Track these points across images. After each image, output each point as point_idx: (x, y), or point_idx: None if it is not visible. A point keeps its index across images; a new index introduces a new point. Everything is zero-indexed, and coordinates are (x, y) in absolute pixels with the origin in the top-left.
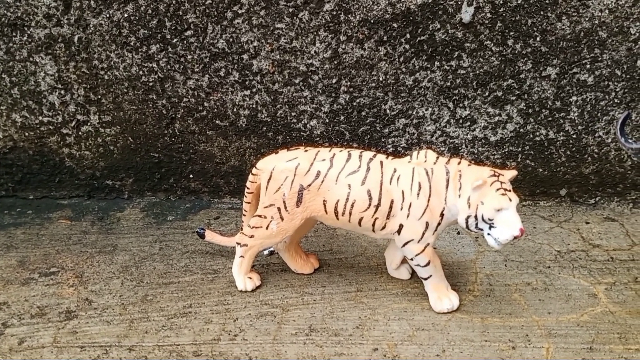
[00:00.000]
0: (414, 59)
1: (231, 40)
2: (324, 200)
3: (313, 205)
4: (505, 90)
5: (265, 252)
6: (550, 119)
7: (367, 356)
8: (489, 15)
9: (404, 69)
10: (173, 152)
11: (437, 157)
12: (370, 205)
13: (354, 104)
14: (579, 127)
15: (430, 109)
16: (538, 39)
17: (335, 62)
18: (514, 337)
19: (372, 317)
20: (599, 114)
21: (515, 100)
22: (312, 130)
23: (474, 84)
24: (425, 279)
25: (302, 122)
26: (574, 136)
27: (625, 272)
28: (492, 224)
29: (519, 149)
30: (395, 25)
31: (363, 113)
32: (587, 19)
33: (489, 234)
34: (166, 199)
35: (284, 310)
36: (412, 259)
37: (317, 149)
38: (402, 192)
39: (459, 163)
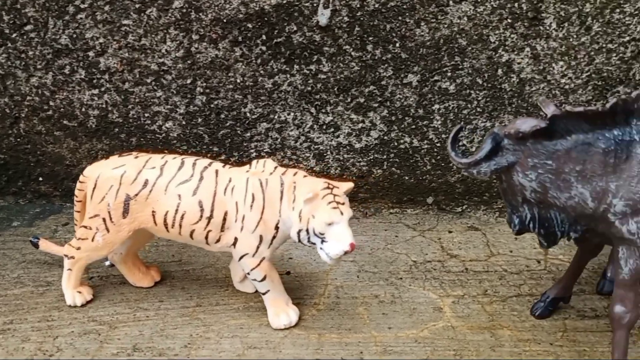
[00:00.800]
0: (272, 61)
1: (75, 36)
2: (153, 211)
3: (141, 216)
4: (367, 97)
5: (107, 263)
6: (413, 126)
7: None
8: (346, 19)
9: (262, 72)
10: (19, 153)
11: (275, 167)
12: (202, 217)
13: (212, 106)
14: (443, 136)
15: (292, 114)
16: (397, 45)
17: (189, 61)
18: (348, 355)
19: (204, 335)
20: (462, 123)
21: (378, 107)
22: (168, 133)
23: (336, 89)
24: (264, 293)
25: (157, 123)
26: (438, 144)
27: (477, 284)
28: (324, 238)
29: (385, 157)
30: (249, 25)
31: (222, 116)
32: (446, 25)
33: (321, 248)
34: (15, 202)
35: (111, 328)
36: (248, 273)
37: (150, 156)
38: (236, 203)
39: (295, 174)
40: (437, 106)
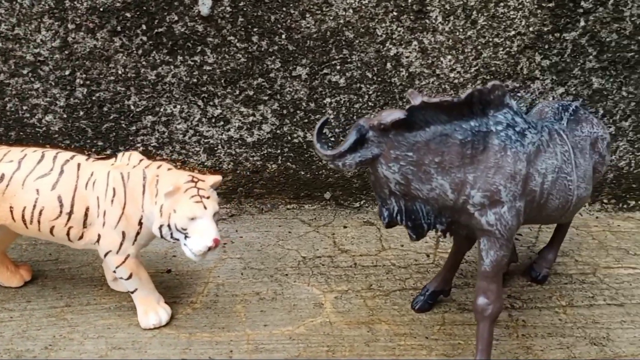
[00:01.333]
0: (154, 52)
1: None
2: (10, 207)
3: None
4: (257, 90)
5: None
6: (306, 120)
7: None
8: (228, 9)
9: (144, 63)
10: None
11: (141, 160)
12: (61, 212)
13: (93, 98)
14: (336, 130)
15: (178, 106)
16: (284, 36)
17: (66, 52)
18: (216, 354)
19: (68, 336)
20: (354, 117)
21: (268, 100)
22: (48, 126)
23: (223, 81)
24: (132, 292)
25: (36, 116)
26: (332, 139)
27: (363, 279)
28: (187, 233)
29: (279, 151)
30: (128, 15)
31: (105, 108)
32: (331, 17)
33: (184, 244)
34: None
35: None
36: (114, 271)
37: (9, 149)
38: (97, 198)
39: (159, 167)
40: (328, 100)
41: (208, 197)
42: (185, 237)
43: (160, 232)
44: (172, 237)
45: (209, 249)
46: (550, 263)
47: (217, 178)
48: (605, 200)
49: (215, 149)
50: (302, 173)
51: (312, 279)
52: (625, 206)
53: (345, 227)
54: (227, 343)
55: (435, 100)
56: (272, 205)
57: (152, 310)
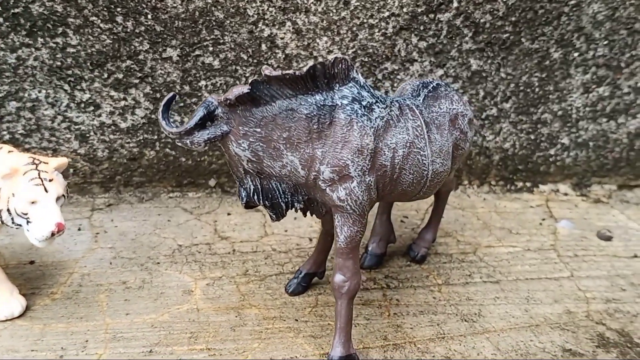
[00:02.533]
0: (12, 33)
1: None
2: None
3: None
4: (126, 73)
5: None
6: (181, 104)
7: None
8: None
9: (2, 45)
10: None
11: None
12: None
13: None
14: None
15: (44, 91)
16: (150, 16)
17: None
18: (70, 344)
19: None
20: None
21: (140, 84)
22: None
23: (89, 64)
24: None
25: None
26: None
27: (240, 265)
28: (28, 218)
29: (156, 137)
30: None
31: None
32: None
33: (27, 230)
34: None
35: None
36: None
37: None
38: None
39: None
40: (203, 82)
41: (51, 180)
42: (27, 222)
43: (1, 217)
44: (13, 222)
45: (52, 234)
46: (428, 243)
47: (62, 160)
48: (492, 182)
49: (88, 135)
50: (184, 160)
51: (185, 266)
52: (512, 187)
53: (229, 214)
54: (83, 333)
55: (277, 74)
56: (154, 194)
57: (4, 302)
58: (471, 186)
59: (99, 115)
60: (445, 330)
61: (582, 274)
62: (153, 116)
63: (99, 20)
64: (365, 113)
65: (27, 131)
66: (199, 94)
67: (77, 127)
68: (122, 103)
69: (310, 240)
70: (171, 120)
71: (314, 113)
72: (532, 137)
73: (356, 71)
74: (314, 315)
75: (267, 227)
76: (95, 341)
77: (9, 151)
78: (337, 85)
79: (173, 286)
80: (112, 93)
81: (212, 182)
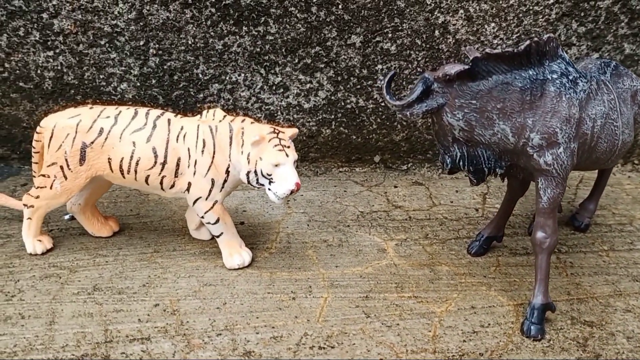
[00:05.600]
0: (222, 23)
1: None
2: (109, 159)
3: (97, 163)
4: (314, 58)
5: (66, 217)
6: (359, 86)
7: (147, 312)
8: None
9: (212, 33)
10: None
11: (225, 116)
12: (156, 163)
13: (165, 67)
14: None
15: (242, 75)
16: (340, 6)
17: (141, 23)
18: (297, 289)
19: (162, 276)
20: (404, 82)
21: (325, 68)
22: (123, 94)
23: (283, 50)
24: (217, 236)
25: (112, 85)
26: (383, 104)
27: (419, 229)
28: (271, 179)
29: (332, 116)
30: None
31: (175, 77)
32: None
33: (269, 189)
34: None
35: (71, 272)
36: (202, 217)
37: (104, 107)
38: (188, 149)
39: (243, 121)
40: (380, 66)
41: (289, 147)
42: (270, 182)
43: (248, 178)
44: (257, 182)
45: (292, 192)
46: (591, 213)
47: (294, 130)
48: (636, 162)
49: (275, 115)
50: (354, 137)
51: (372, 229)
52: None
53: (395, 186)
54: (305, 280)
55: (497, 51)
56: (326, 169)
57: (236, 252)
58: (616, 165)
59: (287, 97)
60: (621, 289)
61: None
62: (333, 97)
63: (297, 10)
64: (572, 86)
65: (225, 110)
66: (375, 77)
67: (267, 107)
68: (308, 86)
69: (477, 210)
70: (392, 93)
71: (527, 86)
72: None
73: (562, 49)
74: (499, 273)
75: (434, 198)
76: (317, 287)
77: (251, 122)
78: (547, 61)
79: (367, 245)
80: (300, 77)
81: (377, 159)
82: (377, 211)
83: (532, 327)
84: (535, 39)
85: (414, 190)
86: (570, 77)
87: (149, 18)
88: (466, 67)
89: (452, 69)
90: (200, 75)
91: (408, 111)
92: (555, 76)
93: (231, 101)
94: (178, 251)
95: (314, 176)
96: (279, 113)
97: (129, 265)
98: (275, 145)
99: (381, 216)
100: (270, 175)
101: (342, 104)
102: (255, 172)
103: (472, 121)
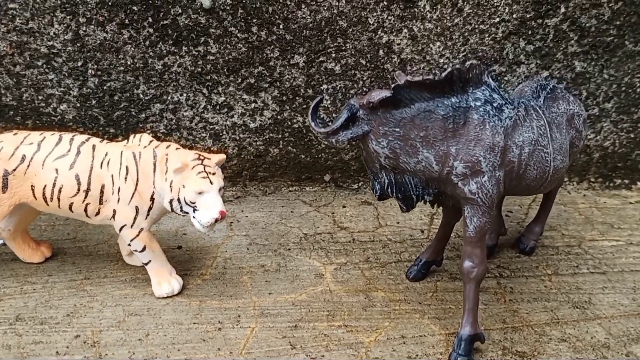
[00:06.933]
0: (160, 43)
1: None
2: (32, 186)
3: (21, 191)
4: (257, 77)
5: None
6: (304, 106)
7: (66, 343)
8: (229, 1)
9: (151, 53)
10: None
11: (151, 141)
12: (79, 190)
13: (105, 87)
14: (333, 115)
15: (185, 94)
16: (281, 26)
17: (78, 44)
18: (225, 319)
19: (88, 305)
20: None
21: (269, 88)
22: (63, 115)
23: (225, 70)
24: (146, 264)
25: (52, 106)
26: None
27: (361, 252)
28: (195, 207)
29: (280, 136)
30: (135, 8)
31: (115, 97)
32: (325, 8)
33: (193, 217)
34: None
35: None
36: (129, 244)
37: (28, 133)
38: (112, 176)
39: (168, 147)
40: (325, 86)
41: (214, 174)
42: (194, 210)
43: (171, 205)
44: (181, 210)
45: (216, 220)
46: (537, 235)
47: (221, 156)
48: (592, 179)
49: (221, 134)
50: (303, 157)
51: (313, 253)
52: (611, 184)
53: (344, 206)
54: (235, 309)
55: (418, 79)
56: (275, 188)
57: (165, 280)
58: (571, 183)
59: (232, 116)
60: (559, 316)
61: None
62: (279, 117)
63: (237, 31)
64: (496, 114)
65: (168, 130)
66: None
67: (212, 126)
68: (253, 105)
69: (422, 231)
70: (318, 120)
71: (450, 114)
72: (632, 135)
73: (487, 75)
74: (436, 299)
75: (381, 219)
76: (246, 316)
77: (177, 148)
78: (471, 88)
79: (305, 270)
80: (245, 96)
81: (327, 177)
82: (321, 233)
83: (458, 359)
84: (458, 66)
85: (361, 211)
86: (495, 105)
87: (86, 39)
88: (388, 94)
89: (376, 95)
90: (141, 95)
91: (333, 138)
92: (478, 104)
93: (174, 121)
94: (109, 278)
95: (262, 196)
96: (224, 132)
97: (56, 293)
98: (199, 173)
99: (325, 238)
100: (194, 203)
101: (289, 123)
102: (179, 199)
103: (396, 149)
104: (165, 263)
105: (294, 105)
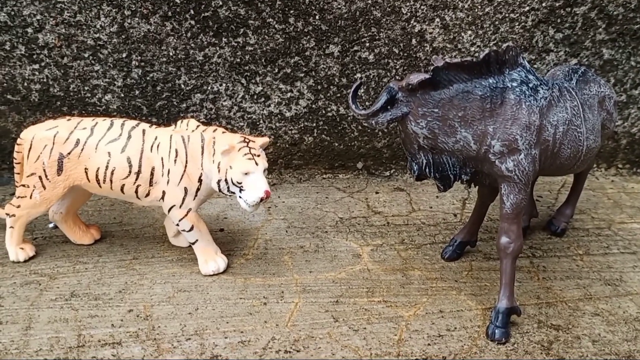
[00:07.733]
0: (201, 34)
1: (13, 13)
2: (85, 168)
3: (75, 173)
4: (293, 67)
5: (50, 226)
6: (338, 95)
7: (120, 317)
8: None
9: (192, 45)
10: None
11: (198, 126)
12: (130, 172)
13: (148, 78)
14: (367, 103)
15: (224, 85)
16: (317, 17)
17: (123, 36)
18: (269, 294)
19: (138, 282)
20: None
21: (304, 77)
22: (108, 105)
23: (263, 60)
24: (193, 243)
25: (97, 96)
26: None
27: (396, 235)
28: (242, 187)
29: (314, 124)
30: (177, 0)
31: (158, 88)
32: None
33: (240, 196)
34: None
35: (51, 279)
36: (177, 224)
37: (81, 119)
38: (162, 159)
39: (215, 130)
40: (359, 75)
41: (259, 156)
42: (241, 190)
43: (219, 186)
44: (228, 190)
45: (261, 199)
46: (567, 218)
47: (265, 139)
48: (620, 165)
49: (258, 123)
50: (336, 145)
51: (349, 235)
52: (639, 170)
53: (377, 192)
54: (278, 285)
55: (457, 61)
56: (310, 175)
57: (211, 259)
58: (599, 169)
59: (268, 106)
60: (591, 292)
61: None
62: (314, 106)
63: (274, 22)
64: (532, 94)
65: (208, 119)
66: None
67: (249, 116)
68: (289, 94)
69: (455, 215)
70: (358, 103)
71: (488, 94)
72: None
73: (523, 58)
74: (471, 277)
75: (414, 204)
76: (289, 292)
77: (223, 132)
78: (507, 69)
79: (343, 250)
80: (281, 86)
81: (359, 165)
82: (356, 217)
83: (496, 331)
84: (495, 48)
85: (394, 196)
86: (531, 85)
87: (131, 31)
88: (427, 76)
89: (415, 78)
90: (183, 86)
91: (373, 120)
92: (515, 84)
93: (214, 110)
94: (156, 258)
95: (297, 183)
96: (261, 121)
97: (107, 272)
98: (245, 154)
99: (360, 222)
100: (240, 183)
101: (323, 112)
102: (226, 180)
103: (435, 129)
104: (211, 242)
105: (329, 94)
